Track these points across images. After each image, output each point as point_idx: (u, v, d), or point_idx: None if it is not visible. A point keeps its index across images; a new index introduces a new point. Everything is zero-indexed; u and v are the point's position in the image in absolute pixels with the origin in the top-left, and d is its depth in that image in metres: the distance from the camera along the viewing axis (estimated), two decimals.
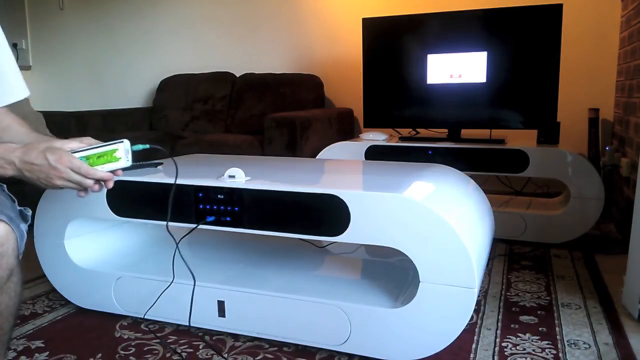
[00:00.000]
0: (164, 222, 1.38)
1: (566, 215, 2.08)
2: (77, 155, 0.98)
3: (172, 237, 1.35)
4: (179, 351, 1.31)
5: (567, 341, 1.34)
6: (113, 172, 1.01)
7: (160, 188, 1.37)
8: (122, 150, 1.02)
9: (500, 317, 1.49)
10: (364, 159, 2.33)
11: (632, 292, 1.48)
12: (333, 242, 1.73)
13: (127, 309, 1.49)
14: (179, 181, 1.35)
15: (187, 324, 1.41)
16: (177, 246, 1.36)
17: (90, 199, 1.44)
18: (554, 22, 2.14)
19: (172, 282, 1.37)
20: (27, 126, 1.11)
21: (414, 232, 1.14)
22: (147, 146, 1.10)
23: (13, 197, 1.00)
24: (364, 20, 2.47)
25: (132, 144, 1.05)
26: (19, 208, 0.95)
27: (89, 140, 1.02)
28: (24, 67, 3.89)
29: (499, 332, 1.40)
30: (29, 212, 0.97)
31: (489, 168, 2.16)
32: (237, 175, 1.35)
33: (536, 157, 2.09)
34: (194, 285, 1.35)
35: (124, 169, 1.03)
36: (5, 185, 1.01)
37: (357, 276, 1.48)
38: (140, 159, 1.14)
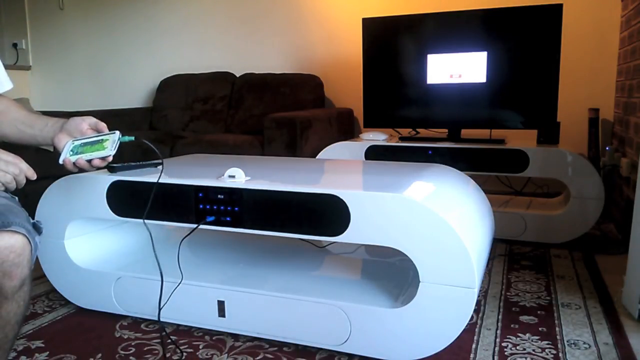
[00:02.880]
0: (163, 222, 1.38)
1: (566, 215, 2.08)
2: (76, 142, 1.11)
3: (149, 232, 1.36)
4: (179, 351, 1.31)
5: (567, 341, 1.34)
6: (90, 161, 1.09)
7: (157, 187, 1.37)
8: (110, 141, 1.11)
9: (500, 317, 1.49)
10: (364, 159, 2.33)
11: (632, 292, 1.48)
12: (333, 242, 1.73)
13: (127, 309, 1.49)
14: (179, 181, 1.36)
15: (188, 324, 1.42)
16: (151, 240, 1.36)
17: (90, 199, 1.44)
18: (554, 22, 2.14)
19: (181, 281, 1.37)
20: (24, 108, 1.16)
21: (414, 232, 1.14)
22: (133, 138, 1.17)
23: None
24: (364, 20, 2.47)
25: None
26: (32, 221, 0.96)
27: (90, 120, 1.15)
28: (24, 67, 3.90)
29: (499, 332, 1.40)
30: (42, 225, 0.97)
31: (489, 168, 2.16)
32: (237, 175, 1.34)
33: (536, 157, 2.09)
34: (162, 281, 1.35)
35: (102, 158, 1.10)
36: (17, 198, 1.02)
37: (357, 276, 1.48)
38: (139, 158, 1.17)
